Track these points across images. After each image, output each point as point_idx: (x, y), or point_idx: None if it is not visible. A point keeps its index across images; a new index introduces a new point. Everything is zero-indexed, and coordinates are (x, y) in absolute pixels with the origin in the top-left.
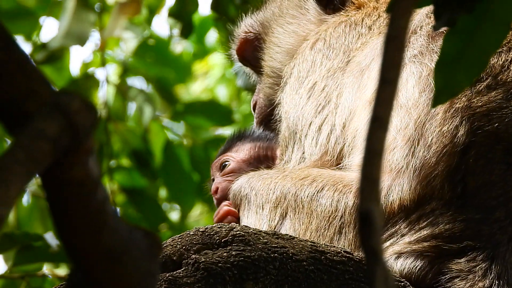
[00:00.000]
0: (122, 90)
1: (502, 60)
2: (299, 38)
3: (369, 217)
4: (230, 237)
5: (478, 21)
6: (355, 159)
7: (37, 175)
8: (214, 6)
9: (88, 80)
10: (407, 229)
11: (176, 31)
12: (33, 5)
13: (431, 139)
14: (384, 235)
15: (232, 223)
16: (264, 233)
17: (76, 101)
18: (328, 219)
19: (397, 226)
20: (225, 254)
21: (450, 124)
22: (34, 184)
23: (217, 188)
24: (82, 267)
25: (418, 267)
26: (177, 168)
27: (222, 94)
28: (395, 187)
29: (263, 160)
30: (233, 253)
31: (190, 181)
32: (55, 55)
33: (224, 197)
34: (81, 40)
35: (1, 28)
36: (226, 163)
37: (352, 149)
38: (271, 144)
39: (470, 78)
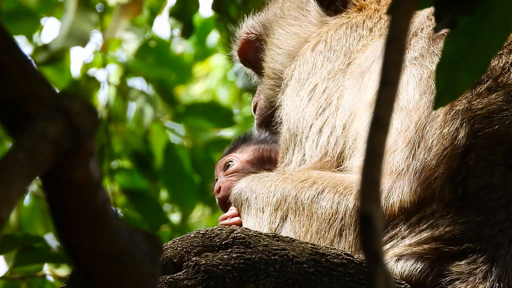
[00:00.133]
0: (123, 92)
1: (503, 62)
2: (300, 39)
3: (370, 220)
4: (230, 239)
5: (479, 23)
6: (356, 161)
7: (38, 177)
8: (215, 6)
9: (89, 82)
10: (407, 231)
11: (177, 31)
12: (34, 5)
13: (432, 141)
14: (385, 238)
15: (232, 226)
16: (264, 235)
17: (77, 103)
18: (328, 221)
19: (398, 229)
20: (225, 256)
21: (451, 127)
22: (35, 184)
23: (220, 188)
24: (83, 269)
25: (418, 270)
26: (178, 170)
27: (223, 95)
28: (396, 189)
29: (267, 162)
30: (233, 255)
31: (191, 183)
32: (56, 56)
33: (226, 196)
34: (83, 41)
35: (2, 30)
36: (230, 163)
37: (353, 151)
38: (275, 147)
39: (471, 80)
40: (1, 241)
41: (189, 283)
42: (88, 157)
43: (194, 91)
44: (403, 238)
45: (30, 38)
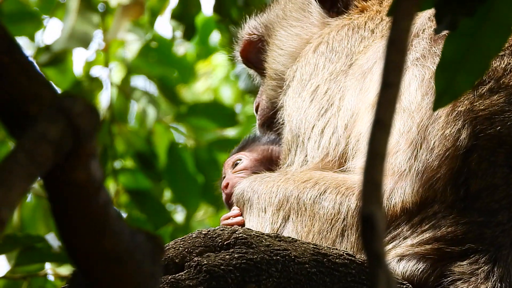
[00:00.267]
0: (126, 92)
1: (505, 63)
2: (302, 41)
3: (372, 220)
4: (232, 239)
5: (480, 24)
6: (358, 162)
7: (39, 177)
8: (216, 9)
9: (91, 82)
10: (409, 231)
11: (179, 33)
12: (36, 6)
13: (434, 143)
14: (387, 238)
15: (234, 226)
16: (266, 235)
17: (78, 104)
18: (330, 222)
19: (400, 229)
20: (227, 256)
21: (453, 128)
22: (37, 184)
23: (227, 184)
24: (83, 269)
25: (420, 270)
26: (181, 170)
27: (226, 94)
28: (398, 190)
29: (275, 162)
30: (235, 255)
31: (194, 183)
32: (59, 57)
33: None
34: (85, 42)
35: (4, 31)
36: (239, 161)
37: (355, 152)
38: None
39: (471, 81)
40: (3, 241)
41: (191, 283)
42: (89, 158)
43: (197, 90)
44: (405, 238)
45: (32, 39)
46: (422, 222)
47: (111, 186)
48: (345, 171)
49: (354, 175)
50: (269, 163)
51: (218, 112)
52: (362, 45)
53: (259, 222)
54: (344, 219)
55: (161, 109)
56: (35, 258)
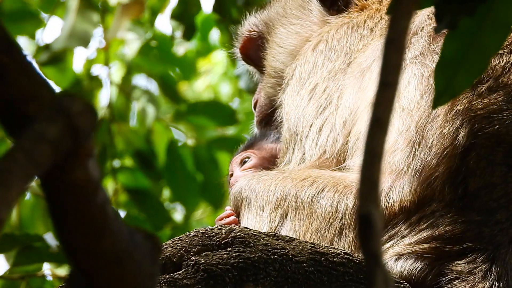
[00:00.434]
0: (126, 91)
1: (504, 62)
2: (302, 39)
3: (369, 220)
4: (230, 238)
5: (479, 23)
6: (358, 160)
7: (37, 177)
8: (216, 8)
9: (91, 81)
10: (407, 230)
11: (179, 33)
12: (36, 5)
13: (432, 141)
14: (384, 237)
15: (232, 225)
16: (264, 234)
17: (77, 103)
18: (328, 220)
19: (397, 228)
20: (225, 255)
21: (451, 126)
22: (36, 184)
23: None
24: (81, 270)
25: (418, 269)
26: (181, 169)
27: (225, 91)
28: (396, 188)
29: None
30: (233, 254)
31: (194, 181)
32: (59, 56)
33: None
34: (84, 41)
35: (3, 31)
36: (247, 159)
37: (355, 150)
38: None
39: (470, 80)
40: (1, 240)
41: (189, 282)
42: (87, 157)
43: (197, 87)
44: (403, 237)
45: (32, 38)
46: (420, 221)
47: (110, 185)
48: (343, 169)
49: (352, 174)
50: (275, 162)
51: (218, 111)
52: (361, 44)
53: (257, 221)
54: (342, 217)
55: (160, 108)
56: (33, 257)
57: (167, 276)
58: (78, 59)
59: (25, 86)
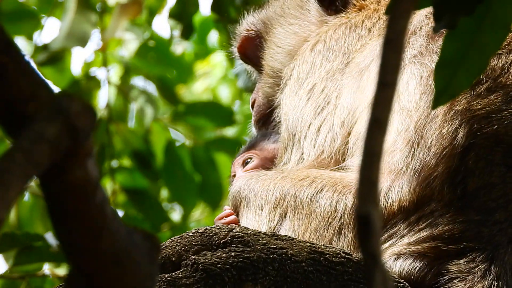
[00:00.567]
0: (124, 91)
1: (502, 62)
2: (300, 39)
3: (368, 220)
4: (229, 238)
5: (478, 23)
6: (357, 160)
7: (36, 177)
8: (214, 8)
9: (89, 81)
10: (406, 230)
11: (177, 32)
12: (35, 5)
13: (431, 141)
14: (384, 236)
15: (231, 224)
16: (263, 234)
17: (76, 103)
18: (327, 220)
19: (397, 227)
20: (224, 255)
21: (450, 126)
22: (35, 183)
23: None
24: (80, 269)
25: (417, 268)
26: (179, 169)
27: (224, 94)
28: (395, 188)
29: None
30: (232, 254)
31: (192, 182)
32: (57, 56)
33: None
34: (82, 41)
35: (1, 31)
36: (250, 160)
37: (355, 150)
38: None
39: (470, 80)
40: (1, 240)
41: (188, 282)
42: (86, 157)
43: (195, 89)
44: (402, 237)
45: (30, 38)
46: (419, 220)
47: (109, 185)
48: (342, 169)
49: (351, 173)
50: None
51: (216, 112)
52: (359, 44)
53: (255, 220)
54: (341, 217)
55: (159, 108)
56: (33, 257)
57: (166, 276)
58: (76, 59)
59: (24, 86)
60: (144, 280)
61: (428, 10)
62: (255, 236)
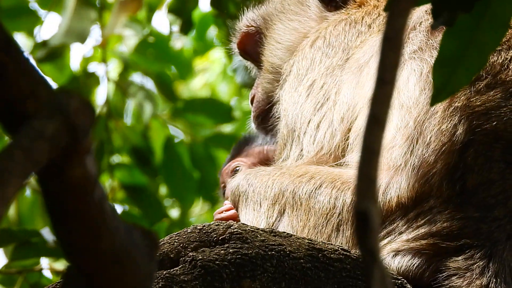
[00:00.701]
0: (123, 88)
1: (502, 58)
2: (300, 35)
3: (366, 217)
4: (227, 234)
5: (477, 19)
6: (356, 157)
7: (35, 174)
8: (214, 3)
9: (88, 78)
10: (405, 227)
11: (176, 28)
12: (34, 1)
13: (430, 138)
14: (382, 233)
15: (229, 221)
16: (261, 230)
17: (74, 100)
18: (326, 216)
19: (395, 224)
20: (222, 251)
21: (449, 123)
22: (35, 180)
23: None
24: (80, 267)
25: (415, 265)
26: (178, 165)
27: (223, 90)
28: (393, 184)
29: (272, 163)
30: (230, 250)
31: (191, 178)
32: (56, 53)
33: None
34: (82, 38)
35: (1, 28)
36: (238, 168)
37: (355, 147)
38: None
39: (469, 77)
40: None
41: (186, 278)
42: (85, 154)
43: (194, 86)
44: (400, 233)
45: (30, 35)
46: (418, 217)
47: (107, 181)
48: (341, 165)
49: (350, 170)
50: (266, 164)
51: (215, 108)
52: (359, 40)
53: (254, 216)
54: (339, 213)
55: (157, 105)
56: (30, 252)
57: (165, 272)
58: (76, 56)
59: (24, 84)
60: (143, 278)
61: (428, 6)
62: (253, 233)
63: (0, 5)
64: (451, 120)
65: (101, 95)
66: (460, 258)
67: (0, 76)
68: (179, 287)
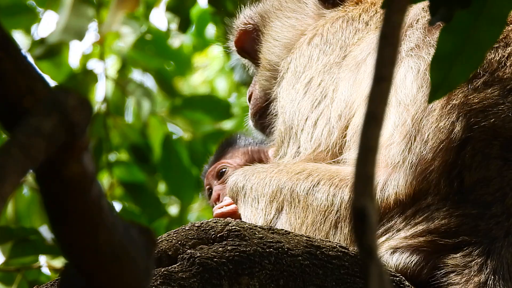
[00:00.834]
0: (121, 85)
1: (499, 56)
2: (297, 32)
3: (363, 214)
4: (225, 232)
5: (474, 16)
6: (354, 154)
7: (32, 171)
8: (211, 1)
9: (87, 75)
10: (403, 224)
11: (174, 26)
12: None
13: (428, 135)
14: (380, 230)
15: (227, 218)
16: (259, 228)
17: (72, 97)
18: (324, 214)
19: (393, 221)
20: (220, 249)
21: (447, 120)
22: (33, 178)
23: (219, 195)
24: (77, 264)
25: (413, 262)
26: (176, 163)
27: (222, 86)
28: (391, 182)
29: (258, 162)
30: (228, 248)
31: (189, 175)
32: (54, 50)
33: None
34: (80, 35)
35: None
36: (223, 170)
37: (352, 144)
38: (262, 147)
39: (466, 74)
40: None
41: (184, 276)
42: (82, 151)
43: (193, 82)
44: (398, 230)
45: (28, 32)
46: (416, 214)
47: (106, 178)
48: (339, 162)
49: (348, 167)
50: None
51: (213, 105)
52: (356, 37)
53: (252, 213)
54: (337, 211)
55: (156, 102)
56: (29, 250)
57: (163, 269)
58: (74, 53)
59: (20, 81)
60: (140, 274)
61: (425, 3)
62: (251, 230)
63: None
64: (448, 117)
65: (99, 93)
66: (458, 255)
67: None
68: (177, 284)
